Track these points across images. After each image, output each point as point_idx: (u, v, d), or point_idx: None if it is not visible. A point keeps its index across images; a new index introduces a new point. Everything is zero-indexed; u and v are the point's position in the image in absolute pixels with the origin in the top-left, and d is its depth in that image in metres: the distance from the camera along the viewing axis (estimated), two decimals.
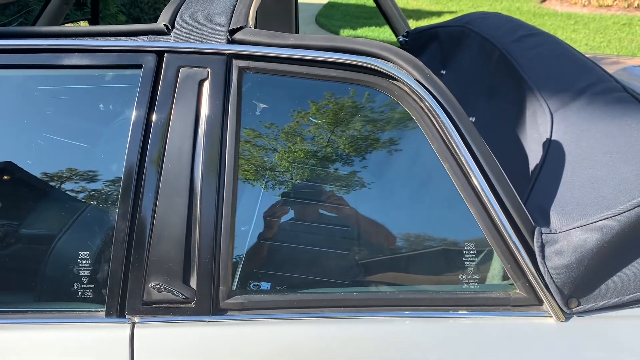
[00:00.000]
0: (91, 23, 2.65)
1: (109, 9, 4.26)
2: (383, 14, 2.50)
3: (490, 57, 1.73)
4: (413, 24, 6.80)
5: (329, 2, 9.80)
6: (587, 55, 2.55)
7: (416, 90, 1.04)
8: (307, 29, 8.12)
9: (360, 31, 7.59)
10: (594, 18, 7.96)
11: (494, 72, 1.66)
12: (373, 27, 7.66)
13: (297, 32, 2.66)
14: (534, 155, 1.28)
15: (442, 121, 1.04)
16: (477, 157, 1.04)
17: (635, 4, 8.33)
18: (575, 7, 8.74)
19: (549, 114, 1.30)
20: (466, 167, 1.04)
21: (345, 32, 7.65)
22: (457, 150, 1.04)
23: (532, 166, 1.27)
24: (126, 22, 4.75)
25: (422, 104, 1.05)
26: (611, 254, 1.04)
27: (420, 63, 1.07)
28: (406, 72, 1.05)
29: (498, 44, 1.73)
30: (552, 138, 1.23)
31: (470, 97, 1.73)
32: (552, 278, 1.03)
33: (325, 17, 8.72)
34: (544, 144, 1.24)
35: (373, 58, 1.06)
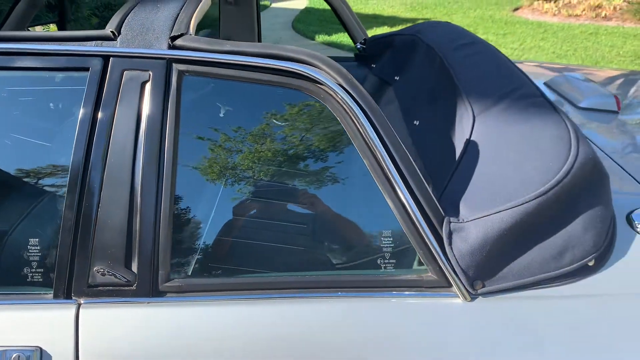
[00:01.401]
0: (59, 25, 2.73)
1: (82, 11, 4.33)
2: (342, 23, 2.62)
3: (433, 64, 1.85)
4: (388, 31, 6.93)
5: (305, 8, 9.93)
6: (560, 66, 2.71)
7: (338, 94, 1.15)
8: (283, 34, 8.23)
9: (335, 37, 7.72)
10: (562, 27, 8.19)
11: (436, 79, 1.78)
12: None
13: (259, 37, 2.77)
14: (458, 155, 1.40)
15: (361, 121, 1.15)
16: (392, 155, 1.15)
17: (603, 14, 8.59)
18: (546, 16, 8.98)
19: (471, 117, 1.42)
20: (383, 163, 1.15)
21: (321, 38, 7.78)
22: (375, 148, 1.15)
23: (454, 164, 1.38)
24: (99, 25, 4.82)
25: (344, 106, 1.16)
26: (512, 241, 1.16)
27: (344, 69, 1.18)
28: (330, 77, 1.16)
29: (440, 52, 1.86)
30: (471, 139, 1.35)
31: (417, 101, 1.85)
32: (457, 262, 1.15)
33: (301, 22, 8.84)
34: (464, 144, 1.36)
35: (302, 64, 1.17)
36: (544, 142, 1.25)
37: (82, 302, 1.17)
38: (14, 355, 1.14)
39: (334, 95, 1.16)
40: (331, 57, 1.23)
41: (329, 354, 1.15)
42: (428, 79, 1.86)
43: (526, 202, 1.15)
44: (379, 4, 10.43)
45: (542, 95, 1.46)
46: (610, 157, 1.56)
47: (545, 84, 2.14)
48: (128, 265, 1.16)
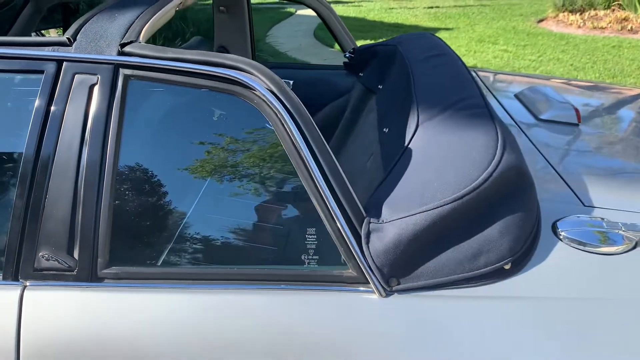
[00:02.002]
0: (64, 29, 2.89)
1: None
2: (331, 33, 2.72)
3: (403, 74, 1.93)
4: None
5: None
6: (590, 84, 2.75)
7: (269, 100, 1.24)
8: (303, 41, 8.35)
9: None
10: (585, 39, 8.10)
11: (404, 88, 1.86)
12: (369, 40, 7.85)
13: (252, 43, 2.88)
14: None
15: (288, 125, 1.23)
16: (317, 157, 1.23)
17: (629, 27, 8.46)
18: (571, 28, 8.89)
19: (415, 125, 1.49)
20: (308, 165, 1.23)
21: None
22: (301, 150, 1.23)
23: None
24: None
25: (274, 110, 1.24)
26: (427, 242, 1.22)
27: (276, 77, 1.27)
28: (263, 83, 1.25)
29: (409, 63, 1.94)
30: (409, 146, 1.42)
31: (390, 110, 1.93)
32: (373, 259, 1.22)
33: (323, 30, 8.93)
34: (402, 150, 1.43)
35: (237, 71, 1.26)
36: (471, 150, 1.31)
37: (27, 284, 1.28)
38: None
39: (266, 100, 1.24)
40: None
41: (251, 344, 1.23)
42: (400, 88, 1.93)
43: (440, 206, 1.21)
44: (402, 13, 10.48)
45: (486, 106, 1.52)
46: (552, 166, 1.60)
47: (515, 95, 2.19)
48: (70, 252, 1.27)
